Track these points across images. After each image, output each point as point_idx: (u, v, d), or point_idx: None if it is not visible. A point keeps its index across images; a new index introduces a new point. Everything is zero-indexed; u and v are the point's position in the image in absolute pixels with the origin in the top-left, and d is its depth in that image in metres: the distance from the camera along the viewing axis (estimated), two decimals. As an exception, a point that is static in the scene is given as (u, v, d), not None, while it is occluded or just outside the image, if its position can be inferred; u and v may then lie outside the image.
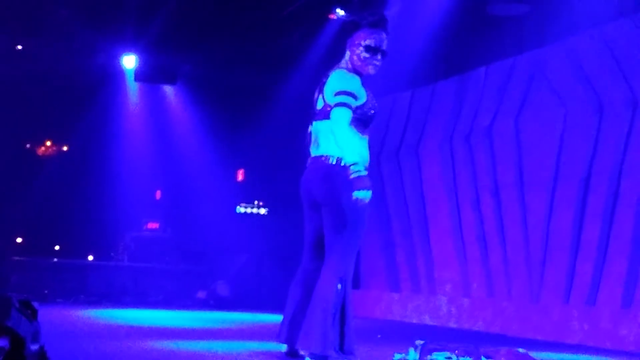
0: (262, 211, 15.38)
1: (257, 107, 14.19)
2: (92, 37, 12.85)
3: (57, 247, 15.57)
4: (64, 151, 16.38)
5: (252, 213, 15.32)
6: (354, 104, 4.80)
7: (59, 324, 8.34)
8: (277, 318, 6.02)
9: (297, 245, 5.19)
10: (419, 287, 11.13)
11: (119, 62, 13.82)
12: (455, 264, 10.51)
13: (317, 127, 4.95)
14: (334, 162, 4.81)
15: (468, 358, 4.83)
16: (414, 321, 10.93)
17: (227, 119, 14.51)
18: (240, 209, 15.23)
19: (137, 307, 12.26)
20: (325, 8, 11.28)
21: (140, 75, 13.97)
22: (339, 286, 4.74)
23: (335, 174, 4.75)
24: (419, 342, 4.80)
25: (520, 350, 5.07)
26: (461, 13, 10.21)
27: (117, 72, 14.16)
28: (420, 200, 11.25)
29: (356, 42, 4.96)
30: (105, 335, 7.31)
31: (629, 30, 8.33)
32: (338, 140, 4.71)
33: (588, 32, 8.90)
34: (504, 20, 10.10)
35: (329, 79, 4.93)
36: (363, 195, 4.61)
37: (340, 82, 4.85)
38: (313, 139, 5.00)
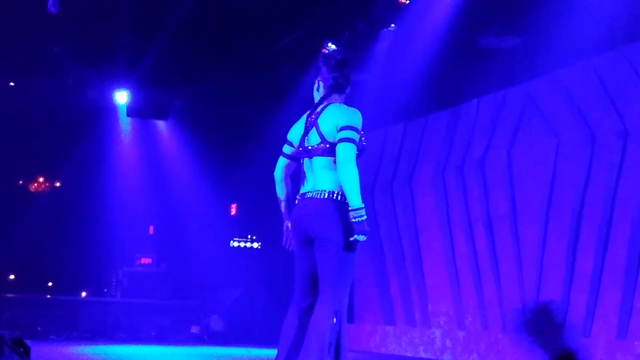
0: (256, 245, 15.35)
1: (250, 141, 14.19)
2: (84, 73, 12.87)
3: (49, 284, 15.50)
4: (56, 187, 16.34)
5: (245, 247, 15.29)
6: (357, 139, 4.82)
7: (52, 361, 8.29)
8: (271, 352, 6.00)
9: (291, 279, 5.14)
10: (413, 320, 11.09)
11: (111, 98, 13.80)
12: (449, 297, 10.48)
13: (312, 163, 4.93)
14: (333, 197, 4.80)
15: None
16: (409, 354, 10.88)
17: (219, 153, 14.52)
18: (234, 243, 15.21)
19: (131, 343, 12.19)
20: (316, 43, 11.33)
21: (133, 110, 13.95)
22: (334, 319, 4.73)
23: (333, 209, 4.75)
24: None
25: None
26: (452, 46, 10.26)
27: (110, 108, 14.13)
28: (413, 232, 11.24)
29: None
30: (99, 372, 7.27)
31: (619, 62, 8.38)
32: (345, 177, 4.69)
33: (579, 64, 8.95)
34: (495, 52, 10.14)
35: (328, 112, 4.91)
36: (361, 239, 4.68)
37: (346, 117, 4.84)
38: (307, 175, 4.97)
